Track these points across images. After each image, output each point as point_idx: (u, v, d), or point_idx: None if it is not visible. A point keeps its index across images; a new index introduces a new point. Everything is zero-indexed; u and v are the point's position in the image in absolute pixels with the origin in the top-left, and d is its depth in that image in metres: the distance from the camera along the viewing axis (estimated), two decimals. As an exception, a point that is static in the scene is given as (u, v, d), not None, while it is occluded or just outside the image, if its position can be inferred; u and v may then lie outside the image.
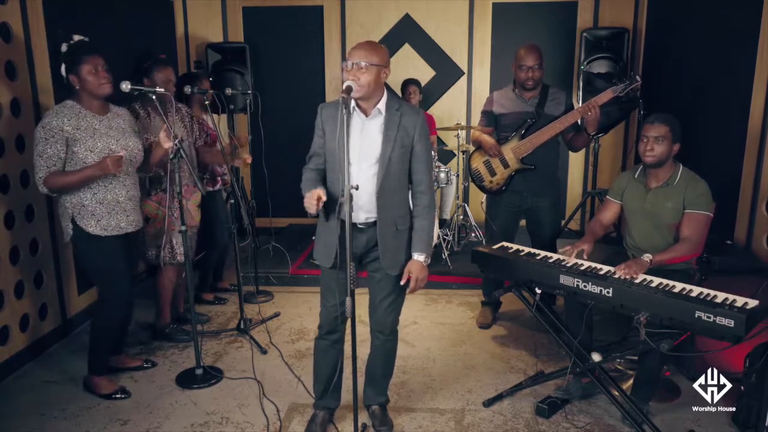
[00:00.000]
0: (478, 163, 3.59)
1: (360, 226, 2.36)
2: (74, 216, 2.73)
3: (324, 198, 2.20)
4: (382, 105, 2.31)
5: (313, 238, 2.54)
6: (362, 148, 2.29)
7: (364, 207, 2.33)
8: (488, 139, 3.49)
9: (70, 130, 2.65)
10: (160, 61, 3.30)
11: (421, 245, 2.39)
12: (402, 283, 2.38)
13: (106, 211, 2.76)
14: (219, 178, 3.88)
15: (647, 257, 2.59)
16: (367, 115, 2.31)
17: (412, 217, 2.43)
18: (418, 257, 2.38)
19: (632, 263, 2.57)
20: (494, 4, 5.35)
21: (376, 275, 2.46)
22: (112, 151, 2.73)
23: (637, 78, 3.15)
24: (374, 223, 2.36)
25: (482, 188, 3.63)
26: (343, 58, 2.30)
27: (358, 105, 2.30)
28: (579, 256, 2.73)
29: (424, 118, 2.37)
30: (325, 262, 2.42)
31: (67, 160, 2.68)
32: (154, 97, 2.82)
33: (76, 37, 2.77)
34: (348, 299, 2.16)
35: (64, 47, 2.75)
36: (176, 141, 2.81)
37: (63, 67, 2.73)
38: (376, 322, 2.54)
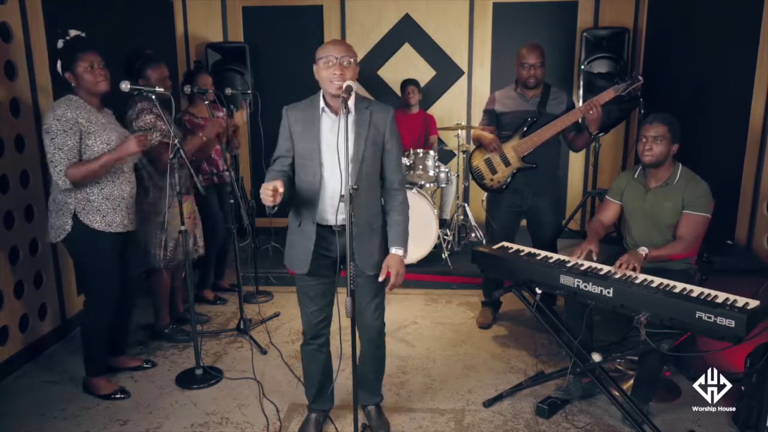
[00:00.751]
0: (479, 161, 3.58)
1: (336, 228, 2.31)
2: (77, 211, 2.69)
3: (281, 190, 2.09)
4: (351, 103, 2.22)
5: None
6: (331, 147, 2.22)
7: (340, 208, 2.27)
8: (487, 135, 3.49)
9: (84, 123, 2.64)
10: (151, 59, 3.27)
11: (398, 240, 2.35)
12: (381, 279, 2.33)
13: (111, 208, 2.74)
14: (207, 176, 3.85)
15: (643, 250, 2.62)
16: (336, 114, 2.24)
17: (385, 215, 2.40)
18: (396, 251, 2.34)
19: (629, 255, 2.59)
20: (494, 4, 5.35)
21: (358, 280, 2.40)
22: None
23: (639, 78, 3.15)
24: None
25: (483, 186, 3.62)
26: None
27: (327, 104, 2.25)
28: (588, 257, 2.73)
29: (393, 115, 2.34)
30: (302, 268, 2.35)
31: (81, 154, 2.65)
32: (153, 96, 2.82)
33: (73, 32, 2.74)
34: (348, 299, 2.11)
35: (60, 44, 2.73)
36: (176, 141, 2.81)
37: (59, 64, 2.71)
38: (365, 327, 2.50)
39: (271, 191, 2.07)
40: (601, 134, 5.08)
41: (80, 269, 2.93)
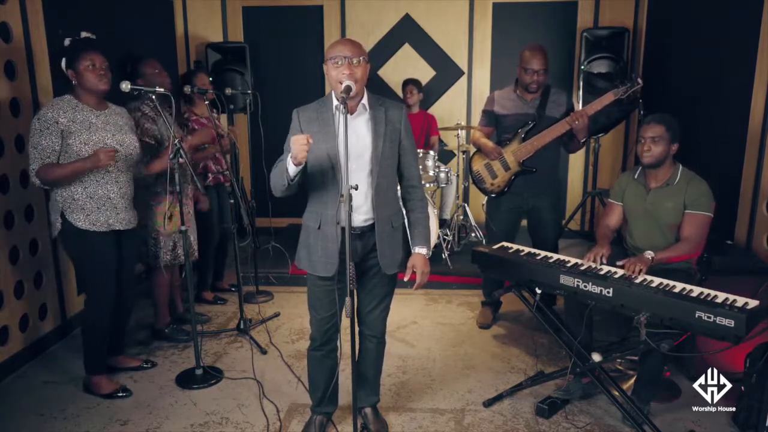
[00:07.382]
0: (479, 166, 3.58)
1: (356, 231, 2.27)
2: (64, 209, 2.72)
3: (311, 141, 2.05)
4: (365, 101, 2.24)
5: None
6: (351, 147, 2.16)
7: (360, 209, 2.25)
8: (488, 143, 3.48)
9: (65, 123, 2.65)
10: (140, 57, 3.29)
11: (421, 239, 2.34)
12: (406, 279, 2.31)
13: (96, 207, 2.75)
14: (210, 175, 3.86)
15: (649, 254, 2.60)
16: (351, 113, 2.19)
17: (405, 213, 2.40)
18: (420, 250, 2.32)
19: (635, 259, 2.58)
20: (494, 4, 5.35)
21: (372, 281, 2.39)
22: (107, 145, 2.73)
23: (639, 81, 3.15)
24: (371, 227, 2.30)
25: (483, 190, 3.62)
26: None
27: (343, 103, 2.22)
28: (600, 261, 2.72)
29: (406, 112, 2.34)
30: (325, 271, 2.29)
31: (61, 153, 2.67)
32: (153, 96, 2.82)
33: (84, 34, 2.79)
34: (348, 299, 2.08)
35: (67, 41, 2.76)
36: (176, 141, 2.81)
37: (63, 61, 2.73)
38: (370, 327, 2.50)
39: (305, 141, 2.02)
40: (600, 135, 5.09)
41: (76, 267, 2.95)
